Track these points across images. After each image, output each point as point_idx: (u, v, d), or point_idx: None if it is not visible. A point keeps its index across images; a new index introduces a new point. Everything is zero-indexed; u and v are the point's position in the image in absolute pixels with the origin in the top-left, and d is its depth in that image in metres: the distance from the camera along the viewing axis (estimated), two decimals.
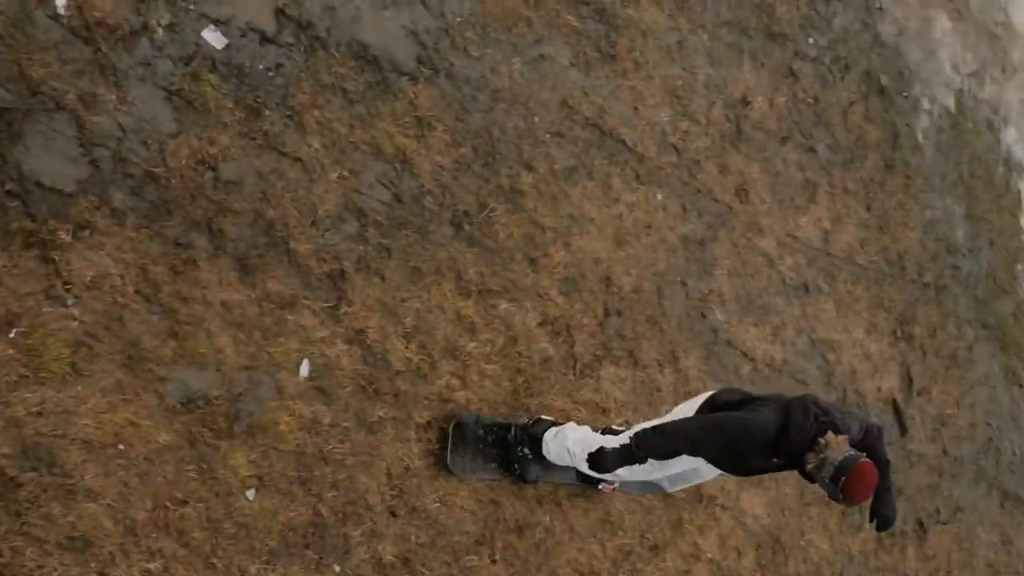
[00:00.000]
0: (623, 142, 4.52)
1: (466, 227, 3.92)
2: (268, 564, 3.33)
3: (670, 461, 3.56)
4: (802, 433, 3.30)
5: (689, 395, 4.56)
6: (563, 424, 3.89)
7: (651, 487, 4.20)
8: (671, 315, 4.57)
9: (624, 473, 3.66)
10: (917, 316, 5.70)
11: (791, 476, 4.67)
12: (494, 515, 3.87)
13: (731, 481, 4.66)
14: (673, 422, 3.53)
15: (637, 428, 3.60)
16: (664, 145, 4.68)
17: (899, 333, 5.60)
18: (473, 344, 3.88)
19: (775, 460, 3.44)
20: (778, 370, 4.96)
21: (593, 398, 4.23)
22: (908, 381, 5.63)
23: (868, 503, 3.55)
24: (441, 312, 3.79)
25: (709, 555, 4.56)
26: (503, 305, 3.99)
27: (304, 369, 3.46)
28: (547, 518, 4.01)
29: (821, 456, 3.27)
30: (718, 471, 3.67)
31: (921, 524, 5.60)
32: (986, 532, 5.99)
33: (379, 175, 3.62)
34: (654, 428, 3.50)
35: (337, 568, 3.49)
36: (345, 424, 3.53)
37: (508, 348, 3.99)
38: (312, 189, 3.48)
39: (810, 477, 3.37)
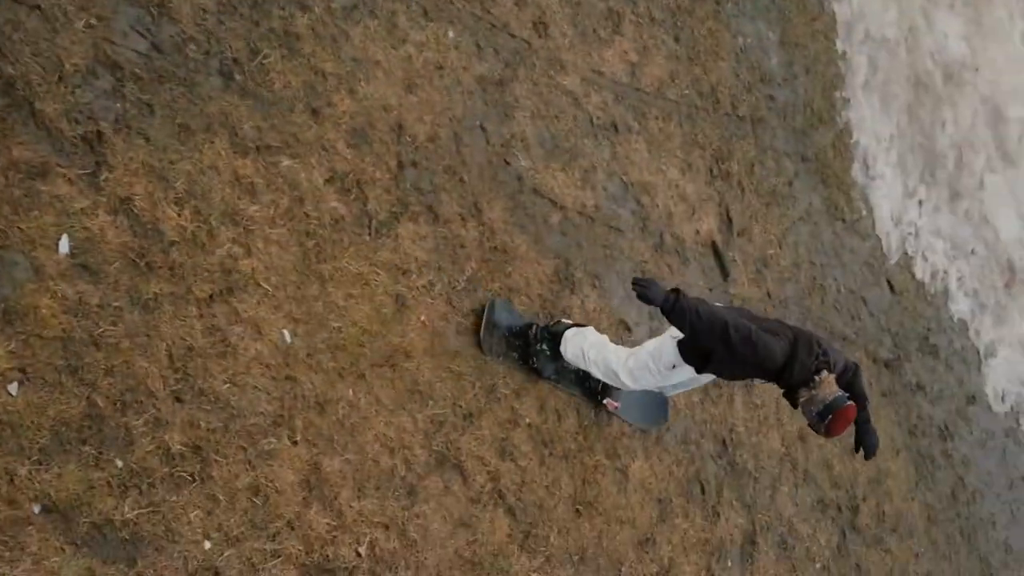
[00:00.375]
0: None
1: (237, 77, 4.20)
2: (40, 464, 3.59)
3: (676, 372, 4.76)
4: (804, 369, 4.38)
5: (495, 250, 5.10)
6: (584, 326, 5.01)
7: (652, 414, 5.59)
8: (471, 164, 5.05)
9: (630, 382, 4.90)
10: (733, 152, 6.43)
11: (610, 327, 5.34)
12: (291, 392, 4.28)
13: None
14: (709, 307, 4.51)
15: (637, 348, 4.88)
16: None
17: (715, 171, 6.32)
18: (255, 207, 4.21)
19: (766, 380, 4.56)
20: (590, 217, 5.56)
21: (392, 259, 4.68)
22: (727, 221, 6.38)
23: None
24: (216, 173, 4.10)
25: (527, 420, 5.16)
26: (285, 162, 4.33)
27: (64, 245, 3.70)
28: (350, 392, 4.47)
29: (813, 392, 4.35)
30: (712, 376, 4.83)
31: None
32: None
33: (133, 21, 3.83)
34: (697, 303, 4.47)
35: (120, 463, 3.80)
36: (116, 304, 3.81)
37: (294, 209, 4.35)
38: (56, 40, 3.65)
39: (795, 405, 4.45)
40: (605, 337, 5.02)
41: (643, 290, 4.53)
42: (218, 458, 4.03)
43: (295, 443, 4.27)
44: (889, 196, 7.72)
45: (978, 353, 8.44)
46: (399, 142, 4.76)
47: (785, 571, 6.32)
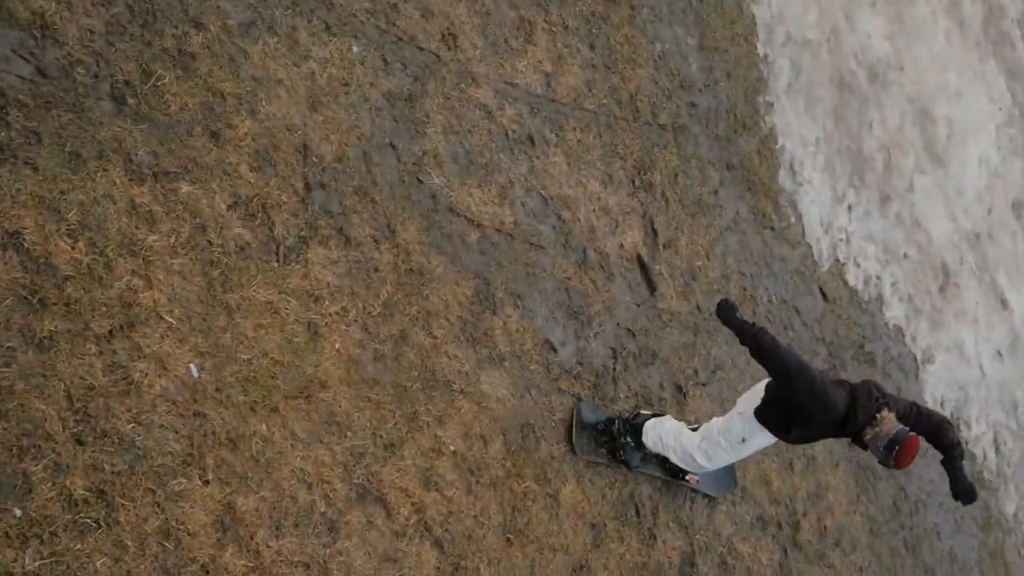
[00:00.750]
0: None
1: (130, 100, 4.22)
2: None
3: (747, 445, 5.59)
4: (867, 412, 5.09)
5: (411, 272, 5.17)
6: (663, 416, 5.87)
7: (725, 484, 6.37)
8: (382, 183, 5.11)
9: (706, 463, 5.73)
10: (656, 162, 6.57)
11: (534, 348, 5.44)
12: (200, 429, 4.30)
13: (470, 361, 5.36)
14: (786, 347, 5.19)
15: (707, 425, 5.71)
16: None
17: (638, 182, 6.45)
18: (154, 236, 4.23)
19: (833, 435, 5.32)
20: (509, 235, 5.65)
21: (302, 285, 4.72)
22: (652, 234, 6.51)
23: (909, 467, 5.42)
24: (111, 202, 4.11)
25: (452, 447, 5.23)
26: (185, 188, 4.36)
27: None
28: (263, 426, 4.50)
29: (876, 429, 5.06)
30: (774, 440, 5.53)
31: (679, 388, 6.58)
32: (747, 388, 7.09)
33: (15, 45, 3.84)
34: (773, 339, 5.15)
35: (19, 512, 3.79)
36: (8, 344, 3.81)
37: (196, 237, 4.38)
38: None
39: (864, 445, 5.15)
40: (681, 424, 5.88)
41: (727, 314, 5.25)
42: (124, 502, 4.03)
43: (207, 482, 4.28)
44: (818, 202, 7.92)
45: (915, 359, 8.67)
46: (305, 163, 4.81)
47: None
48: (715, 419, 5.80)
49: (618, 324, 6.14)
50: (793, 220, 7.68)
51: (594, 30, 6.25)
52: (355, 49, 5.09)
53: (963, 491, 5.44)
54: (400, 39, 5.28)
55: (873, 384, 5.26)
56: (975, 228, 9.72)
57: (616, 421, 5.93)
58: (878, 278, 8.41)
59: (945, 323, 9.05)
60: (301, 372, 4.65)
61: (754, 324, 5.18)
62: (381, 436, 4.92)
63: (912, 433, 5.06)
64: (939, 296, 9.07)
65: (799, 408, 5.22)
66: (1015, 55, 10.82)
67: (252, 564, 4.33)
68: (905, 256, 8.77)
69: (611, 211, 6.23)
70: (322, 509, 4.60)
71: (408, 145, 5.25)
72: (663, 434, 5.84)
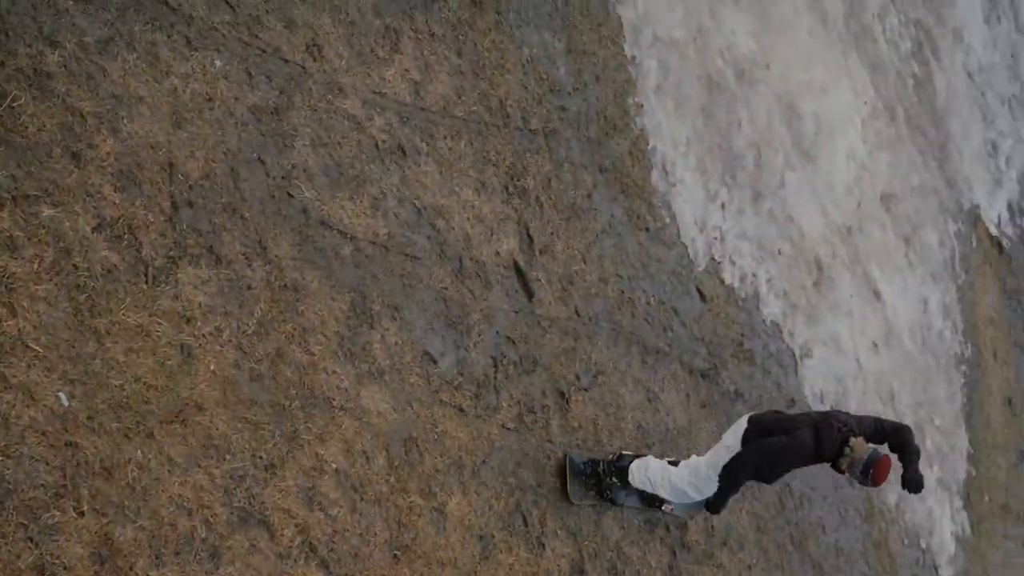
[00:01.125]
0: (165, 3, 4.98)
1: None
2: None
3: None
4: (832, 444, 5.92)
5: (285, 288, 5.26)
6: (645, 456, 6.77)
7: (696, 506, 6.91)
8: (251, 199, 5.19)
9: (695, 494, 6.50)
10: (528, 167, 6.77)
11: (414, 360, 5.59)
12: (73, 459, 4.32)
13: (349, 377, 5.47)
14: (738, 460, 6.13)
15: (692, 461, 6.55)
16: (214, 1, 5.22)
17: (511, 188, 6.64)
18: (16, 263, 4.25)
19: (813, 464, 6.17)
20: (384, 247, 5.78)
21: (174, 307, 4.77)
22: (528, 240, 6.71)
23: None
24: None
25: (334, 465, 5.32)
26: (47, 212, 4.38)
27: None
28: (138, 453, 4.53)
29: (850, 458, 5.90)
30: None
31: (562, 394, 6.78)
32: (630, 392, 7.34)
33: None
34: (727, 470, 6.17)
35: None
36: None
37: (61, 262, 4.40)
38: None
39: (840, 471, 6.02)
40: (663, 462, 6.72)
41: (718, 507, 6.51)
42: None
43: (81, 514, 4.31)
44: (691, 201, 8.23)
45: (793, 355, 9.05)
46: (171, 182, 4.87)
47: None
48: (694, 457, 6.68)
49: (497, 332, 6.31)
50: (668, 220, 7.96)
51: (460, 36, 6.42)
52: (218, 63, 5.16)
53: (912, 482, 6.23)
54: (264, 51, 5.37)
55: (832, 416, 6.13)
56: (846, 222, 10.19)
57: (601, 463, 6.73)
58: (754, 275, 8.77)
59: (821, 317, 9.47)
60: (176, 396, 4.70)
61: (733, 475, 6.23)
62: (261, 457, 5.00)
63: (884, 454, 5.91)
64: (814, 291, 9.48)
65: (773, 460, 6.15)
66: (876, 48, 11.36)
67: None
68: (779, 252, 9.15)
69: (485, 219, 6.40)
70: (203, 535, 4.66)
71: (276, 159, 5.34)
72: (650, 475, 6.63)
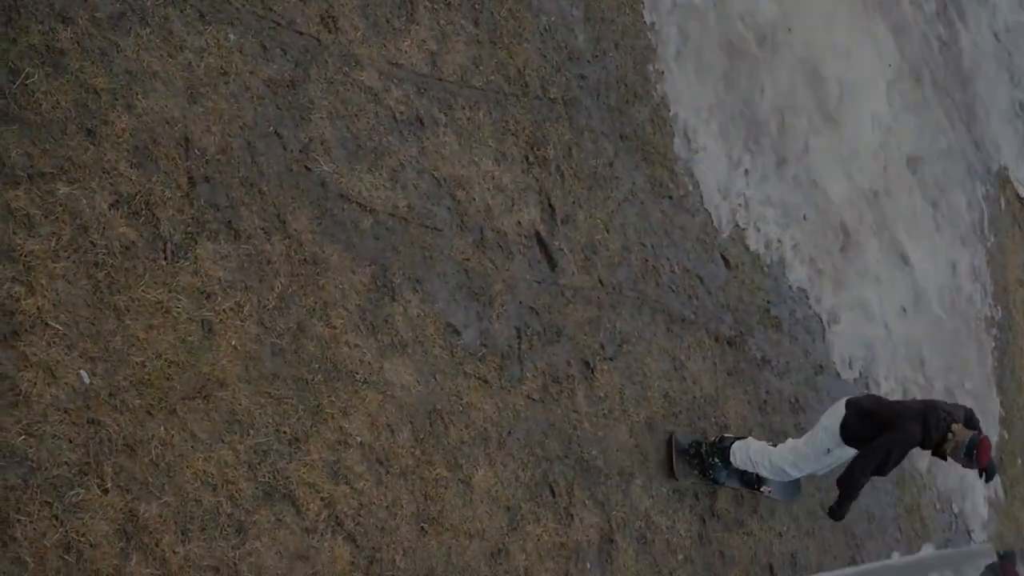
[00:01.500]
0: None
1: None
2: None
3: (832, 455, 6.82)
4: (940, 431, 6.35)
5: (305, 262, 5.21)
6: (746, 438, 7.17)
7: (793, 490, 7.69)
8: (269, 173, 5.14)
9: (795, 472, 7.06)
10: (548, 136, 6.70)
11: (437, 332, 5.55)
12: (96, 437, 4.31)
13: (371, 350, 5.43)
14: (862, 462, 6.51)
15: (791, 443, 7.05)
16: None
17: (531, 158, 6.57)
18: (33, 241, 4.22)
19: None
20: (404, 219, 5.72)
21: (193, 282, 4.74)
22: (550, 210, 6.64)
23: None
24: None
25: (359, 438, 5.29)
26: (63, 189, 4.35)
27: None
28: (161, 429, 4.51)
29: (953, 442, 6.35)
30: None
31: (587, 364, 6.72)
32: (656, 361, 7.27)
33: None
34: (845, 480, 6.58)
35: None
36: None
37: (78, 240, 4.37)
38: None
39: (943, 456, 6.47)
40: (763, 442, 7.13)
41: (843, 511, 6.83)
42: (20, 517, 4.04)
43: (106, 491, 4.30)
44: (714, 168, 8.13)
45: (821, 321, 8.95)
46: (188, 157, 4.83)
47: (646, 566, 6.62)
48: (791, 440, 7.15)
49: (520, 303, 6.26)
50: (691, 188, 7.87)
51: (477, 6, 6.34)
52: (232, 37, 5.11)
53: (991, 469, 6.58)
54: (278, 24, 5.31)
55: (938, 405, 6.52)
56: (872, 186, 10.05)
57: (703, 444, 7.18)
58: (779, 241, 8.66)
59: (848, 283, 9.36)
60: (197, 372, 4.68)
61: (851, 483, 6.59)
62: (285, 432, 4.97)
63: (984, 435, 6.39)
64: (841, 256, 9.37)
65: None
66: (900, 10, 11.19)
67: (159, 572, 4.36)
68: (804, 218, 9.04)
69: (506, 189, 6.34)
70: (228, 510, 4.65)
71: (293, 133, 5.29)
72: (752, 454, 7.05)
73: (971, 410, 6.66)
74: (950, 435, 6.35)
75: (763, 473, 7.14)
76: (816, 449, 6.81)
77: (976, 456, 6.31)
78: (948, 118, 11.71)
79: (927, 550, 9.01)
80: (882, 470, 6.53)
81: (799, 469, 6.99)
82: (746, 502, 7.52)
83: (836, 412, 6.71)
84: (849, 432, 6.60)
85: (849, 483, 6.58)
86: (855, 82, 10.09)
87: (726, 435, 7.29)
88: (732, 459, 7.11)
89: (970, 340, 11.03)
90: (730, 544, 7.30)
